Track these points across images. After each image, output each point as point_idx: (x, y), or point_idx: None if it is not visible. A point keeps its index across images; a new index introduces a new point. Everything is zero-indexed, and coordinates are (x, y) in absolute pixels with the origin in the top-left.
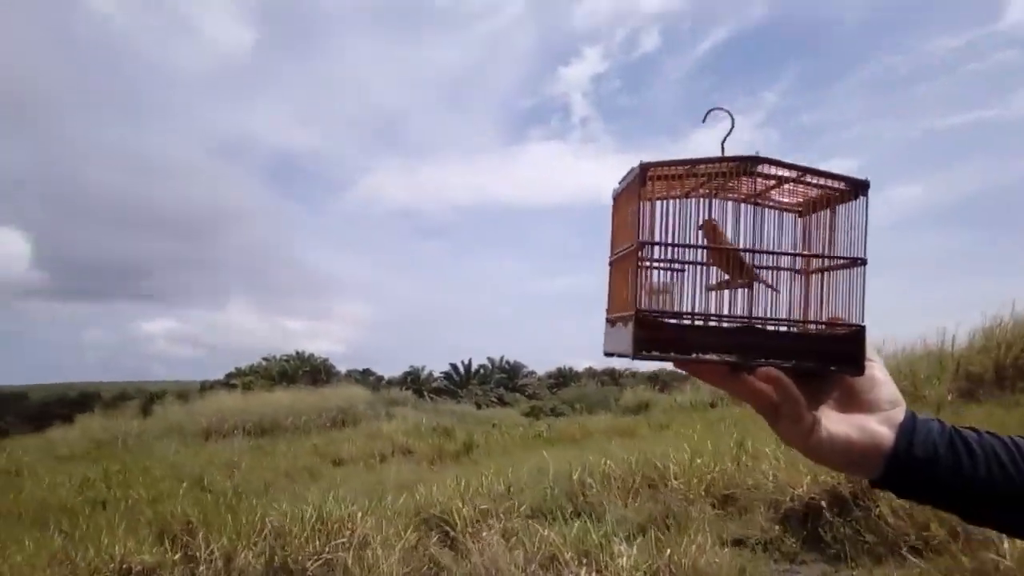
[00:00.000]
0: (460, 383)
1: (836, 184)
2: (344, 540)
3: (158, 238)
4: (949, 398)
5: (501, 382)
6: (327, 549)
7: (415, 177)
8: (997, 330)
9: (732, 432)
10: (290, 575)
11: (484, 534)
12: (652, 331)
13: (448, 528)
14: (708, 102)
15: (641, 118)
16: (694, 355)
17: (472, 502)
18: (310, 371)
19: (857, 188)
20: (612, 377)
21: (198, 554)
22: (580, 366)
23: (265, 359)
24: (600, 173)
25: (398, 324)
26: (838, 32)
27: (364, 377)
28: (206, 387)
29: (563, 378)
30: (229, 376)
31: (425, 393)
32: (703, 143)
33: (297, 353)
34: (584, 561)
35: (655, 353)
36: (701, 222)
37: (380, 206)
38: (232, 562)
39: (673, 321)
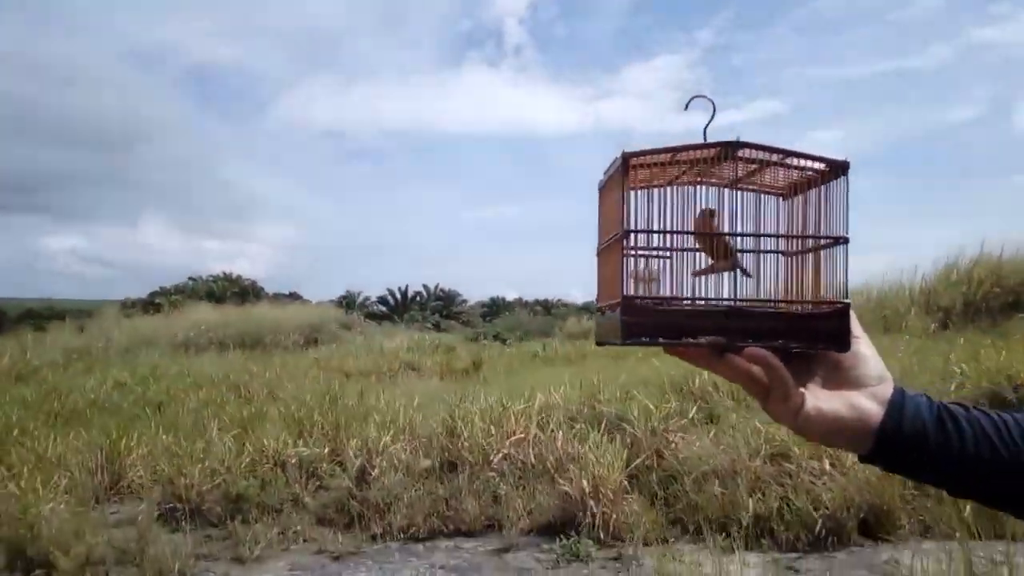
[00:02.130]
0: (397, 309)
1: (817, 165)
2: (522, 435)
3: (62, 150)
4: (932, 328)
5: (437, 309)
6: (506, 444)
7: (344, 97)
8: (964, 267)
9: None
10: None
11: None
12: (640, 317)
13: (626, 425)
14: (644, 38)
15: (576, 49)
16: (683, 339)
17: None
18: (239, 292)
19: (837, 169)
20: (544, 307)
21: (346, 449)
22: (510, 296)
23: (191, 278)
24: (531, 104)
25: (324, 248)
26: None
27: (292, 300)
28: (127, 306)
29: (495, 307)
30: (153, 295)
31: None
32: (640, 79)
33: (224, 274)
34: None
35: (644, 339)
36: (700, 210)
37: (307, 125)
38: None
39: (660, 306)
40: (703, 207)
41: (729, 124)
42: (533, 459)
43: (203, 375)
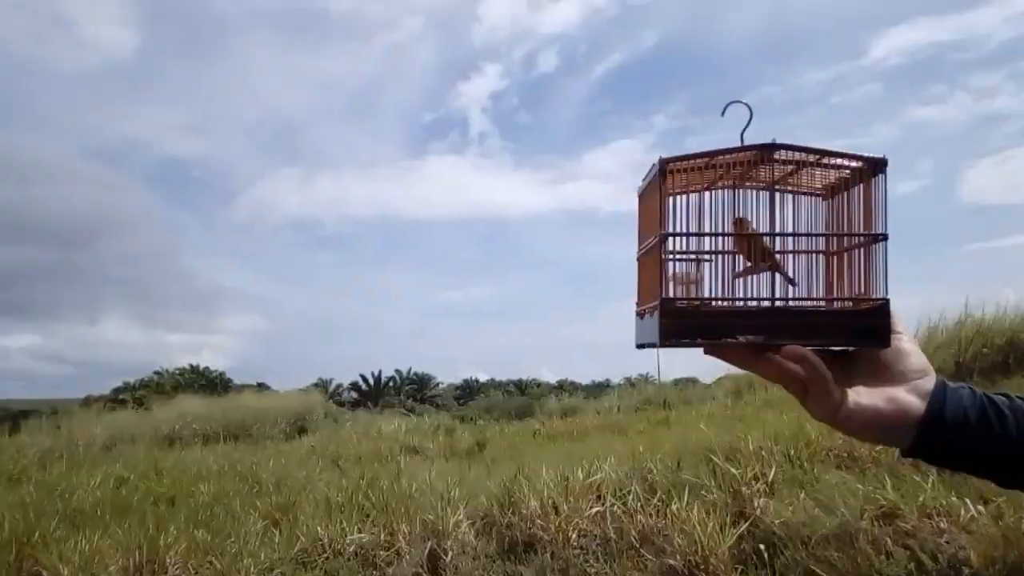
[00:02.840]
0: (370, 394)
1: (854, 164)
2: (600, 508)
3: (21, 246)
4: None
5: (410, 393)
6: (583, 519)
7: (311, 188)
8: (949, 329)
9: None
10: (546, 545)
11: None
12: (678, 319)
13: (705, 492)
14: (604, 123)
15: (538, 136)
16: (722, 339)
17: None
18: (206, 384)
19: (875, 166)
20: (518, 387)
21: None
22: (482, 377)
23: (156, 372)
24: (497, 188)
25: (292, 337)
26: (723, 62)
27: (261, 390)
28: (91, 402)
29: (469, 389)
30: (117, 391)
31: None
32: (599, 163)
33: (191, 366)
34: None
35: (684, 340)
36: (728, 215)
37: (273, 216)
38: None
39: (699, 308)
40: (735, 217)
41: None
42: (613, 533)
43: (205, 468)
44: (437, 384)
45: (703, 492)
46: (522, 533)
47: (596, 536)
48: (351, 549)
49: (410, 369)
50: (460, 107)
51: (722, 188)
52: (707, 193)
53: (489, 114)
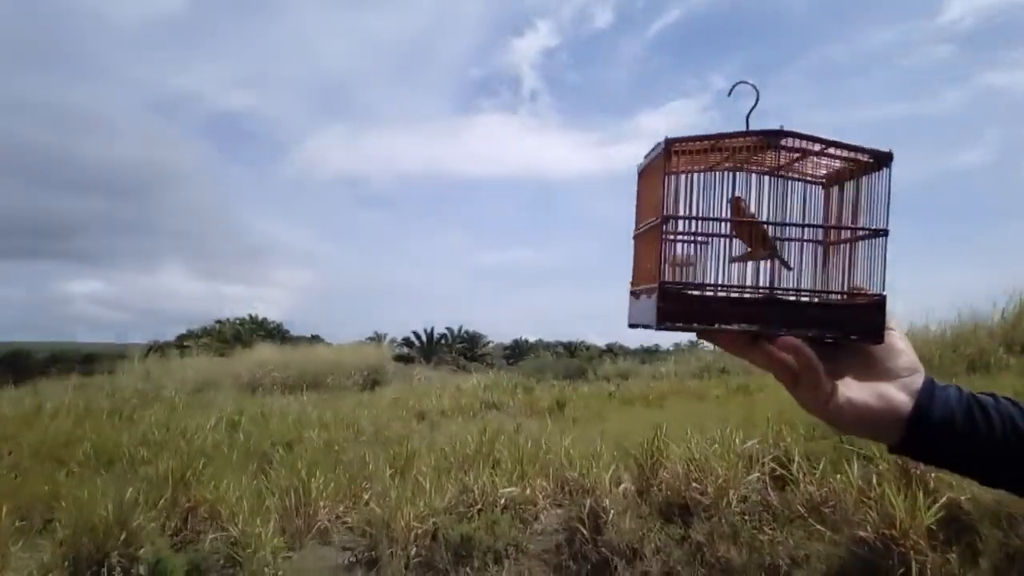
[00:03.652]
0: (423, 350)
1: (860, 156)
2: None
3: (85, 196)
4: None
5: (462, 351)
6: (741, 485)
7: (360, 144)
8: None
9: None
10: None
11: None
12: (675, 302)
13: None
14: (658, 83)
15: (590, 95)
16: (716, 325)
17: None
18: (265, 335)
19: (881, 160)
20: (567, 349)
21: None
22: (531, 338)
23: (218, 321)
24: (547, 149)
25: (341, 292)
26: (784, 20)
27: (314, 342)
28: (154, 349)
29: (518, 349)
30: (181, 338)
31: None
32: (652, 124)
33: (250, 316)
34: None
35: (679, 324)
36: (729, 198)
37: (323, 172)
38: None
39: (696, 292)
40: (732, 195)
41: None
42: (776, 501)
43: (304, 414)
44: (487, 343)
45: (871, 463)
46: (676, 495)
47: (757, 503)
48: (502, 502)
49: (461, 327)
50: (511, 64)
51: (723, 171)
52: (708, 175)
53: (540, 72)
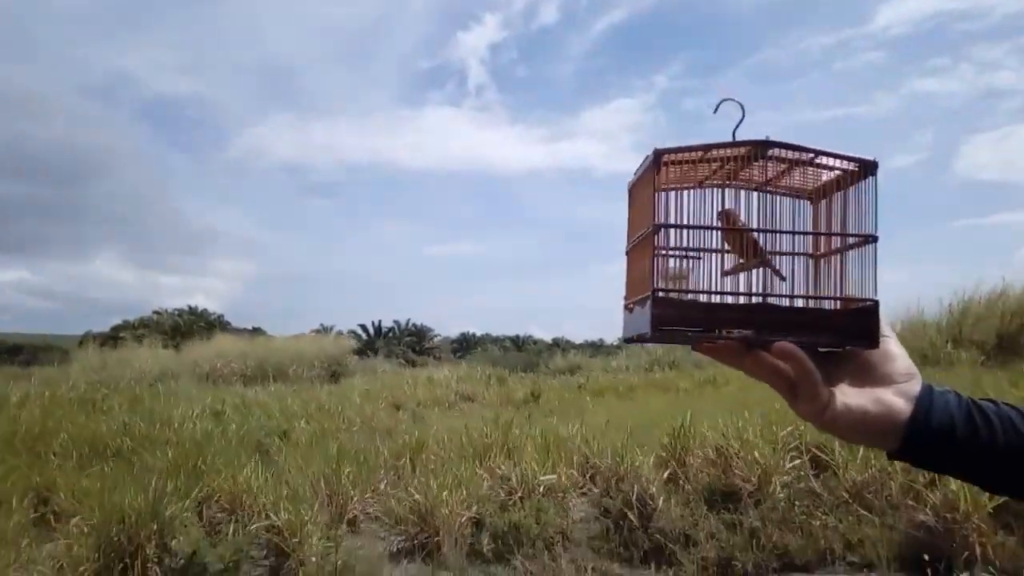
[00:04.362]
0: (370, 344)
1: (846, 165)
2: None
3: (14, 181)
4: (981, 361)
5: (410, 344)
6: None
7: (305, 132)
8: (987, 303)
9: None
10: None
11: None
12: (669, 309)
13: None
14: (603, 81)
15: (536, 91)
16: (711, 332)
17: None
18: (204, 326)
19: (866, 168)
20: (514, 343)
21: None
22: (478, 331)
23: (156, 312)
24: (493, 143)
25: (283, 283)
26: (726, 23)
27: (256, 335)
28: (87, 339)
29: (465, 342)
30: (116, 328)
31: None
32: (597, 121)
33: (189, 307)
34: None
35: (673, 331)
36: (720, 210)
37: (266, 160)
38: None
39: (690, 299)
40: (721, 208)
41: None
42: (819, 487)
43: (282, 405)
44: (435, 336)
45: None
46: (717, 481)
47: (801, 489)
48: (540, 489)
49: (408, 320)
50: (459, 57)
51: (712, 187)
52: (697, 191)
53: (487, 66)
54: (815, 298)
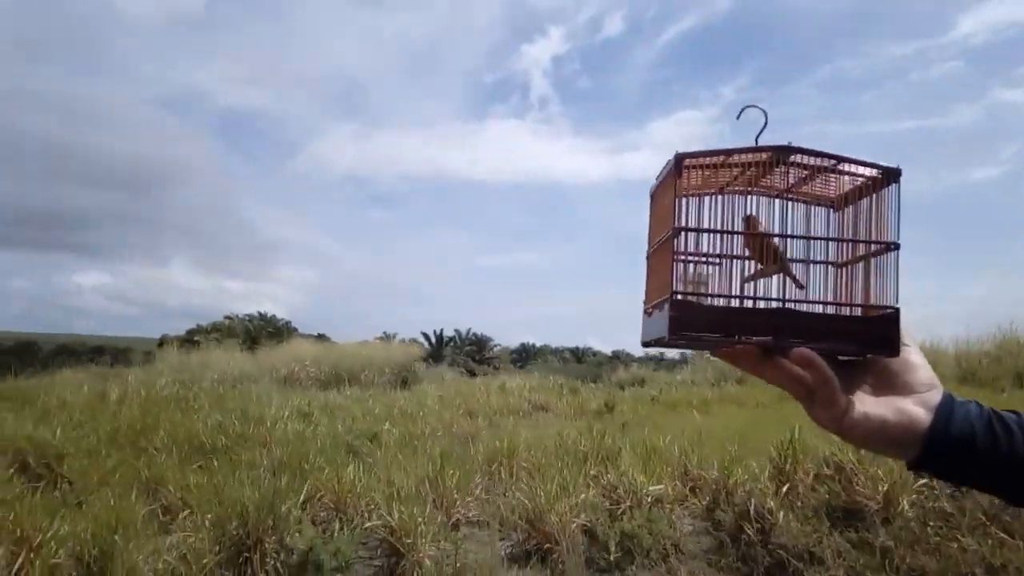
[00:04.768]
0: (436, 352)
1: (869, 172)
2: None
3: (95, 190)
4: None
5: (470, 354)
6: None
7: (369, 144)
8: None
9: None
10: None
11: None
12: (688, 313)
13: None
14: (668, 92)
15: (599, 103)
16: (730, 337)
17: None
18: (273, 332)
19: (890, 175)
20: (574, 354)
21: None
22: (537, 342)
23: (227, 317)
24: (554, 155)
25: (346, 290)
26: (797, 32)
27: (320, 340)
28: (163, 343)
29: (525, 353)
30: (191, 332)
31: None
32: (661, 133)
33: (259, 313)
34: None
35: (692, 335)
36: (744, 215)
37: (332, 171)
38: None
39: (709, 304)
40: (744, 214)
41: None
42: (950, 507)
43: (364, 408)
44: (495, 346)
45: None
46: (836, 497)
47: (931, 509)
48: (649, 499)
49: (469, 330)
50: (522, 70)
51: (733, 193)
52: (719, 197)
53: (551, 78)
54: (836, 305)
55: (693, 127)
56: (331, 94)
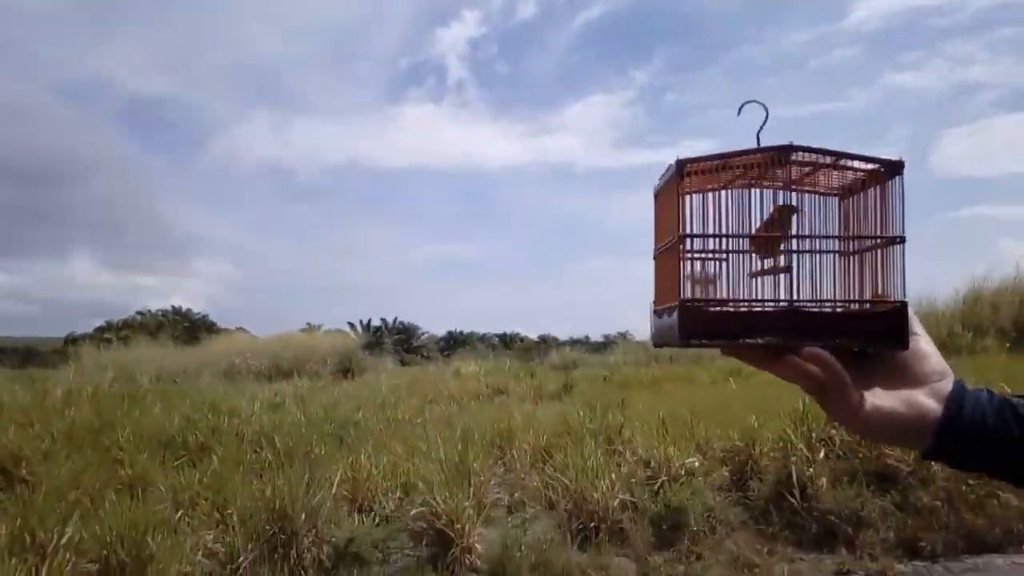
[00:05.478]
0: (373, 342)
1: (871, 167)
2: None
3: None
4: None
5: (398, 343)
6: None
7: (285, 133)
8: (1002, 291)
9: None
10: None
11: None
12: (698, 319)
13: None
14: (583, 76)
15: (516, 86)
16: (740, 340)
17: None
18: (190, 326)
19: (893, 169)
20: (502, 340)
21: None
22: (464, 329)
23: (140, 313)
24: (473, 140)
25: (265, 283)
26: (705, 19)
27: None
28: (70, 341)
29: (452, 340)
30: (100, 330)
31: None
32: (577, 117)
33: (174, 308)
34: None
35: (703, 340)
36: (744, 214)
37: (246, 161)
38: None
39: (717, 308)
40: (779, 203)
41: (661, 163)
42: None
43: (330, 398)
44: (423, 334)
45: None
46: (869, 463)
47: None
48: (683, 473)
49: (396, 319)
50: (438, 54)
51: (738, 188)
52: (723, 192)
53: (467, 62)
54: (843, 301)
55: (607, 110)
56: (244, 81)
